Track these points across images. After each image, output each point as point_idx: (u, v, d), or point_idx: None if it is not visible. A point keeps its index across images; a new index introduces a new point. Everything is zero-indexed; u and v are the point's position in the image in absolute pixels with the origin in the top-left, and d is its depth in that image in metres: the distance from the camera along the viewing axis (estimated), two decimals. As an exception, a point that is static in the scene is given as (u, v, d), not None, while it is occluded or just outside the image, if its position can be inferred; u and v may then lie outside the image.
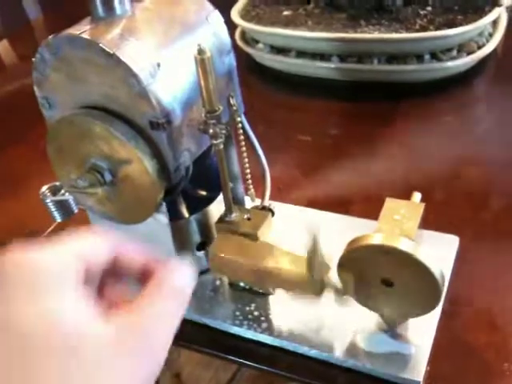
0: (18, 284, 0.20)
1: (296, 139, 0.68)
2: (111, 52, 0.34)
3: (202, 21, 0.40)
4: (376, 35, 0.67)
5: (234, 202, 0.42)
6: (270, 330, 0.41)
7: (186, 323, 0.43)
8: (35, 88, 0.39)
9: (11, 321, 0.19)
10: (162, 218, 0.40)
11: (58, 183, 0.53)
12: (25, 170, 0.67)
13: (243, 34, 0.78)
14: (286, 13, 0.75)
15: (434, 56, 0.67)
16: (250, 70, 0.79)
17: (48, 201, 0.52)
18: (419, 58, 0.67)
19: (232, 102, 0.38)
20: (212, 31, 0.40)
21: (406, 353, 0.38)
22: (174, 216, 0.42)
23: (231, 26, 0.76)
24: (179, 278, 0.23)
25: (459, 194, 0.55)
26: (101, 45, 0.34)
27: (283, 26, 0.72)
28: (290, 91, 0.75)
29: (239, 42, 0.77)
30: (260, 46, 0.75)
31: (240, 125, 0.39)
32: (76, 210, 0.53)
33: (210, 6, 0.41)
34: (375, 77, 0.69)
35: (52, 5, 1.19)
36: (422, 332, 0.39)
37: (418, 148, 0.63)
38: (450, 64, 0.67)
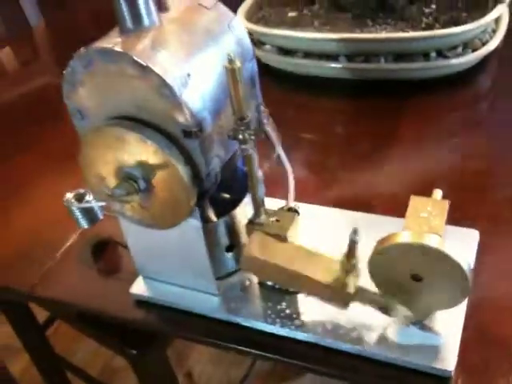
0: None
1: (305, 138, 0.69)
2: (144, 64, 0.35)
3: (224, 28, 0.41)
4: (383, 35, 0.68)
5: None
6: (303, 326, 0.42)
7: (218, 323, 0.44)
8: (66, 100, 0.40)
9: None
10: (195, 222, 0.41)
11: (82, 190, 0.54)
12: (35, 178, 0.68)
13: (250, 35, 0.79)
14: (291, 14, 0.76)
15: (440, 53, 0.68)
16: (258, 71, 0.80)
17: (74, 208, 0.53)
18: (426, 55, 0.68)
19: (262, 109, 0.39)
20: (235, 39, 0.42)
21: (436, 344, 0.39)
22: (203, 220, 0.43)
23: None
24: None
25: (471, 188, 0.56)
26: (134, 57, 0.35)
27: (290, 28, 0.73)
28: (297, 91, 0.76)
29: (246, 45, 0.77)
30: (267, 47, 0.76)
31: (269, 130, 0.40)
32: (101, 217, 0.55)
33: (230, 13, 0.42)
34: (382, 75, 0.71)
35: (51, 10, 1.20)
36: (450, 324, 0.40)
37: (427, 144, 0.64)
38: (455, 61, 0.68)
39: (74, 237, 0.56)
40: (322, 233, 0.46)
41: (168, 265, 0.46)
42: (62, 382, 1.07)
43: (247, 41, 0.43)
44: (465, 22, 0.68)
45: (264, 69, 0.79)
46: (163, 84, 0.35)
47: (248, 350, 0.43)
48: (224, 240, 0.45)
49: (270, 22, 0.75)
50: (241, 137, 0.38)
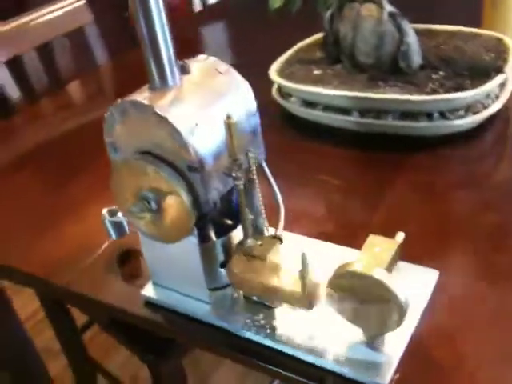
0: None
1: (314, 178, 0.78)
2: (162, 115, 0.46)
3: (232, 90, 0.52)
4: (391, 96, 0.77)
5: (255, 232, 0.53)
6: (272, 335, 0.51)
7: (208, 326, 0.54)
8: (105, 136, 0.51)
9: None
10: (193, 240, 0.51)
11: (115, 207, 0.65)
12: (86, 196, 0.80)
13: (279, 88, 0.90)
14: (316, 72, 0.87)
15: (443, 115, 0.77)
16: (284, 119, 0.91)
17: (106, 221, 0.64)
18: (429, 115, 0.77)
19: (250, 155, 0.49)
20: (241, 97, 0.52)
21: (379, 361, 0.47)
22: (205, 238, 0.53)
23: (271, 82, 0.88)
24: None
25: (437, 234, 0.63)
26: (156, 109, 0.46)
27: (313, 84, 0.83)
28: (316, 139, 0.85)
29: (276, 96, 0.89)
30: (293, 99, 0.87)
31: (255, 171, 0.50)
32: (128, 231, 0.66)
33: (239, 77, 0.53)
34: (389, 130, 0.79)
35: (117, 52, 1.37)
36: (395, 345, 0.48)
37: (418, 196, 0.71)
38: (456, 122, 0.76)
39: (105, 245, 0.68)
40: (298, 258, 0.55)
41: (172, 273, 0.56)
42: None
43: (252, 99, 0.53)
44: (467, 89, 0.76)
45: (289, 118, 0.89)
46: (175, 130, 0.46)
47: (225, 350, 0.52)
48: (220, 257, 0.55)
49: (296, 77, 0.86)
50: (234, 174, 0.48)
